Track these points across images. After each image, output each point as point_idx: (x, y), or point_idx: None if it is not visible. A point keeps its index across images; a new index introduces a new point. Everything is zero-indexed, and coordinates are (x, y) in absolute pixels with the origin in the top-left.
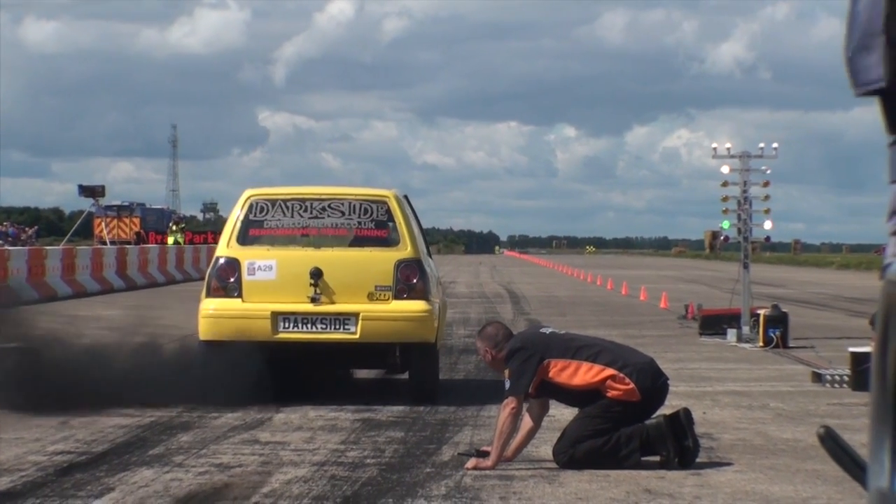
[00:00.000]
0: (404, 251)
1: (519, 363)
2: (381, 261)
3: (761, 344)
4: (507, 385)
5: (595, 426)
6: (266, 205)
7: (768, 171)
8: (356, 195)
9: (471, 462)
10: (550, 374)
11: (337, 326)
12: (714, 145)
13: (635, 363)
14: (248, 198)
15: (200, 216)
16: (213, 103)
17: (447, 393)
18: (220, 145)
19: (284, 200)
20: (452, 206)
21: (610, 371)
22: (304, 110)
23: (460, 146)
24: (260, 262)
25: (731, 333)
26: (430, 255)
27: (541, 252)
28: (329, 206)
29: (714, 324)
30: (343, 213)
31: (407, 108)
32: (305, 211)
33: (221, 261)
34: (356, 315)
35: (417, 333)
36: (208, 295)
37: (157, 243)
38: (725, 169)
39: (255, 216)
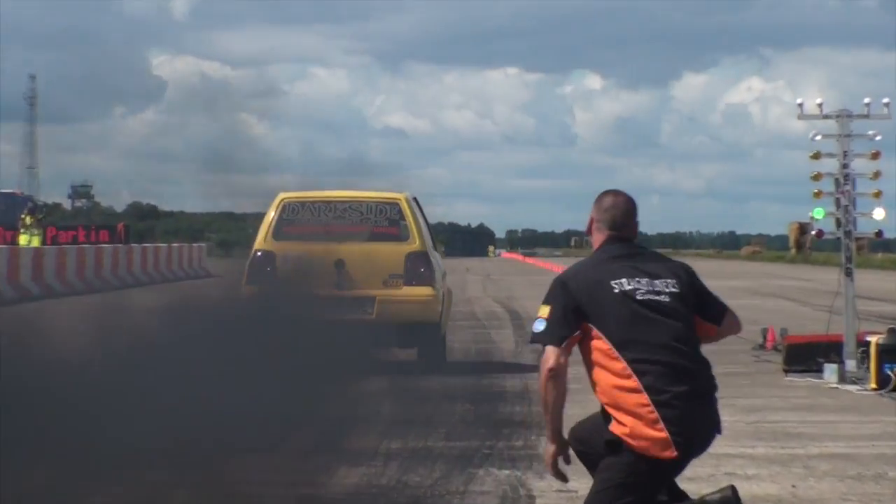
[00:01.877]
0: (413, 245)
1: (556, 302)
2: (393, 253)
3: (874, 385)
4: (537, 325)
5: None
6: (297, 206)
7: (878, 138)
8: (373, 198)
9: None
10: (591, 345)
11: (357, 309)
12: (800, 101)
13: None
14: (282, 200)
15: (68, 204)
16: (86, 44)
17: (423, 461)
18: (96, 103)
19: (313, 203)
20: (427, 188)
21: (641, 398)
22: (216, 53)
23: (438, 103)
24: (291, 254)
25: (830, 370)
26: (435, 249)
27: (554, 254)
28: (350, 207)
29: (805, 356)
30: (362, 214)
31: (362, 50)
32: (330, 211)
33: (259, 253)
34: (373, 299)
35: (424, 315)
36: (248, 282)
37: (4, 243)
38: (817, 135)
39: (287, 216)
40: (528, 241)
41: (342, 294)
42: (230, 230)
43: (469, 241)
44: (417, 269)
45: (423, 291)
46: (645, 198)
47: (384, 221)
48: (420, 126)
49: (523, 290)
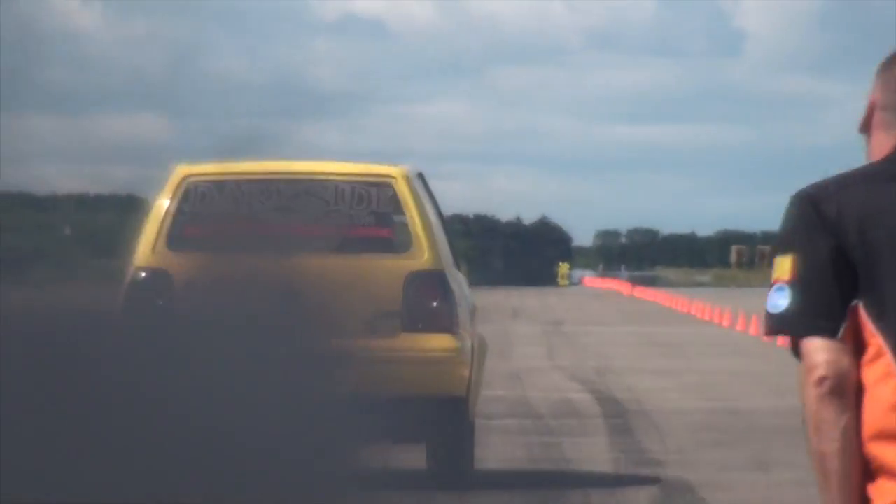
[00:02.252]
0: (419, 259)
1: (807, 246)
2: (383, 274)
3: None
4: (775, 298)
5: None
6: (210, 190)
7: None
8: (347, 174)
9: None
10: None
11: (320, 376)
12: None
13: None
14: (183, 179)
15: None
16: None
17: None
18: None
19: (238, 182)
20: (427, 143)
21: None
22: None
23: None
24: (200, 276)
25: None
26: (458, 265)
27: (695, 279)
28: (306, 191)
29: None
30: (327, 203)
31: None
32: (269, 198)
33: (143, 274)
34: (349, 358)
35: (440, 384)
36: (125, 324)
37: None
38: None
39: (192, 207)
40: (641, 255)
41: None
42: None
43: (518, 253)
44: (427, 301)
45: (439, 343)
46: None
47: (367, 217)
48: (414, 13)
49: (631, 356)
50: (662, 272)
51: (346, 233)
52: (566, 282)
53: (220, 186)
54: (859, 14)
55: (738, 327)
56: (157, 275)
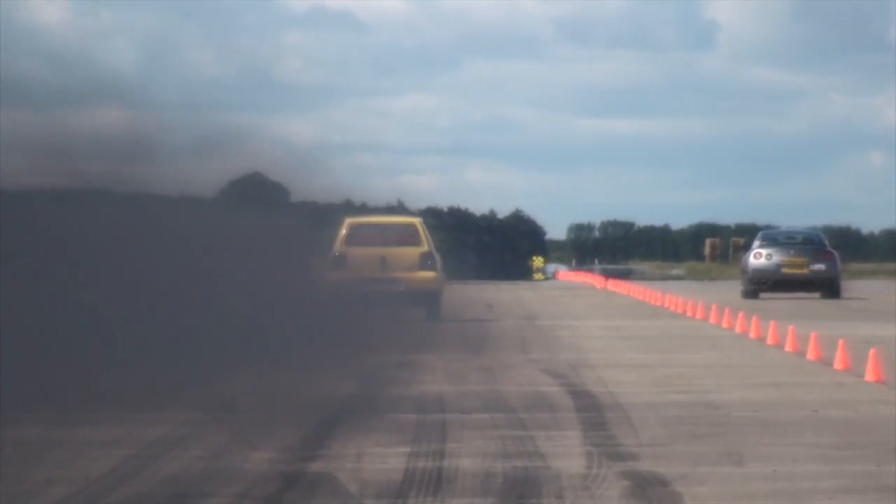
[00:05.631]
0: (423, 248)
1: None
2: (413, 253)
3: None
4: None
5: None
6: (360, 226)
7: None
8: (400, 222)
9: None
10: None
11: (392, 284)
12: None
13: None
14: (349, 224)
15: None
16: None
17: None
18: None
19: (366, 225)
20: (403, 137)
21: None
22: None
23: None
24: (355, 253)
25: None
26: (436, 250)
27: (670, 273)
28: (390, 226)
29: None
30: (396, 229)
31: None
32: (380, 228)
33: (337, 252)
34: (402, 279)
35: (430, 287)
36: (330, 269)
37: None
38: None
39: (352, 232)
40: (615, 248)
41: (384, 276)
42: None
43: (491, 247)
44: (426, 262)
45: (430, 275)
46: (859, 153)
47: (406, 234)
48: (385, 5)
49: (604, 350)
50: (636, 265)
51: (400, 240)
52: (541, 276)
53: (362, 225)
54: (831, 6)
55: (712, 320)
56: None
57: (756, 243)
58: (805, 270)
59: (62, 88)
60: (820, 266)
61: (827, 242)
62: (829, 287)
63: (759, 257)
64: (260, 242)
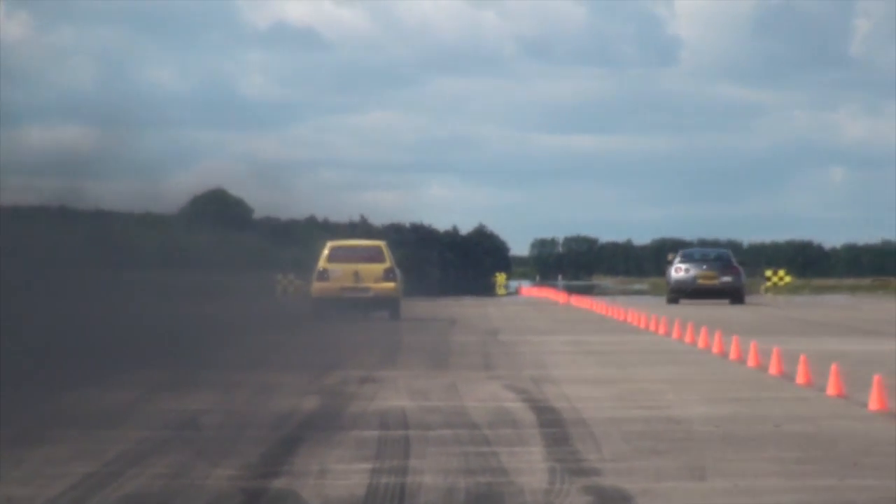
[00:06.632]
0: (387, 264)
1: None
2: (379, 268)
3: None
4: None
5: None
6: (339, 247)
7: None
8: (369, 244)
9: None
10: None
11: (363, 292)
12: None
13: None
14: (331, 246)
15: None
16: None
17: None
18: None
19: (343, 247)
20: (368, 152)
21: None
22: None
23: None
24: (335, 268)
25: None
26: (397, 266)
27: (633, 287)
28: (361, 248)
29: None
30: (366, 250)
31: None
32: (354, 249)
33: (321, 267)
34: (370, 288)
35: (392, 295)
36: (316, 280)
37: None
38: None
39: (333, 252)
40: (578, 263)
41: (357, 286)
42: None
43: (455, 263)
44: (388, 275)
45: (391, 285)
46: (820, 169)
47: (374, 253)
48: (346, 22)
49: (567, 365)
50: (599, 280)
51: (369, 257)
52: (503, 291)
53: (340, 247)
54: (792, 23)
55: (675, 335)
56: (325, 268)
57: (677, 260)
58: (715, 282)
59: (23, 105)
60: (728, 278)
61: (734, 259)
62: (735, 295)
63: (679, 271)
64: (222, 258)
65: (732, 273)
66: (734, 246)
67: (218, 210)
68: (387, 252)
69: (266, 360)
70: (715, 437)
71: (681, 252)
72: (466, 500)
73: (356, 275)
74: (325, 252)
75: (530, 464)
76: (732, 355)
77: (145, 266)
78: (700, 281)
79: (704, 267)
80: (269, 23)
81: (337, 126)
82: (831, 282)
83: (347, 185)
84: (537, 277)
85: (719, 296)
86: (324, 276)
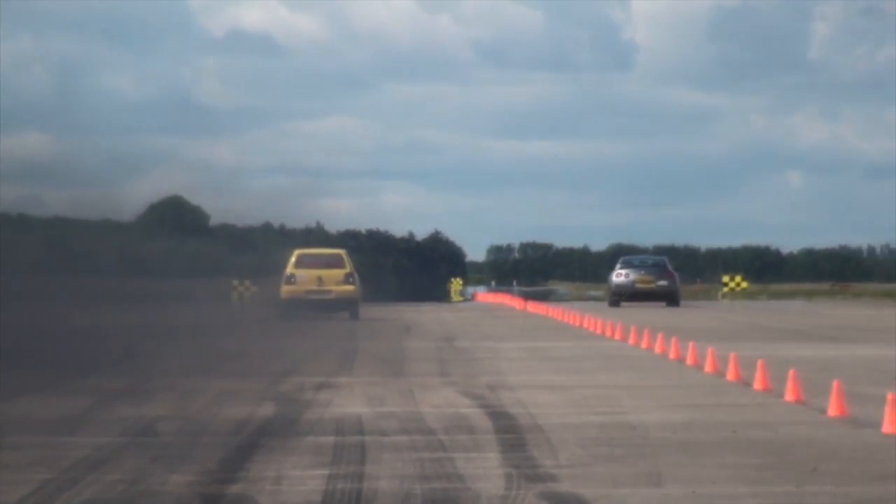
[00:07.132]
0: (347, 270)
1: None
2: (340, 273)
3: None
4: None
5: None
6: (304, 255)
7: None
8: (331, 252)
9: None
10: None
11: (326, 294)
12: None
13: None
14: (297, 253)
15: None
16: None
17: None
18: None
19: (308, 254)
20: (325, 158)
21: None
22: None
23: None
24: (301, 273)
25: None
26: (356, 271)
27: (588, 293)
28: (324, 256)
29: None
30: (328, 257)
31: None
32: (317, 257)
33: (289, 272)
34: (332, 290)
35: (351, 297)
36: (285, 284)
37: None
38: None
39: (299, 259)
40: (535, 269)
41: (320, 289)
42: None
43: (411, 269)
44: (348, 279)
45: (350, 288)
46: (777, 173)
47: (336, 260)
48: (302, 28)
49: (523, 371)
50: (555, 286)
51: (331, 263)
52: (459, 297)
53: (306, 254)
54: (748, 27)
55: (631, 341)
56: (293, 273)
57: (618, 265)
58: (653, 285)
59: None
60: (664, 282)
61: (670, 265)
62: (670, 298)
63: (620, 276)
64: (179, 265)
65: (668, 278)
66: (691, 251)
67: (175, 217)
68: (347, 259)
69: (222, 366)
70: (672, 443)
71: (622, 259)
72: None
73: (319, 279)
74: (293, 259)
75: (486, 470)
76: (689, 361)
77: (103, 273)
78: (639, 285)
79: (643, 272)
80: (225, 29)
81: (293, 132)
82: (789, 287)
83: (303, 192)
84: (493, 283)
85: (656, 298)
86: (291, 280)
